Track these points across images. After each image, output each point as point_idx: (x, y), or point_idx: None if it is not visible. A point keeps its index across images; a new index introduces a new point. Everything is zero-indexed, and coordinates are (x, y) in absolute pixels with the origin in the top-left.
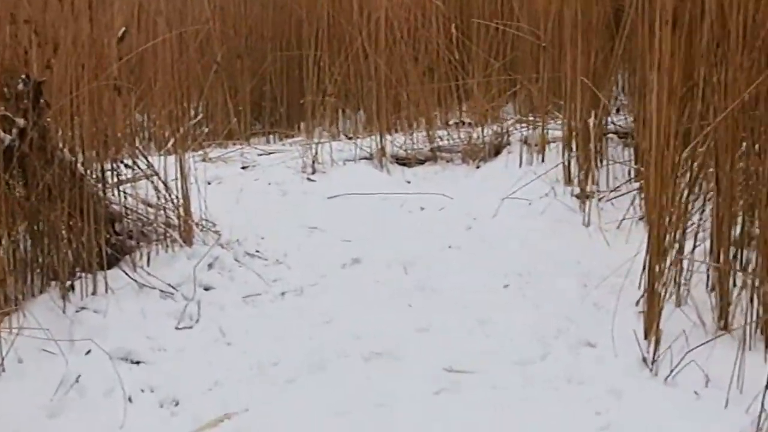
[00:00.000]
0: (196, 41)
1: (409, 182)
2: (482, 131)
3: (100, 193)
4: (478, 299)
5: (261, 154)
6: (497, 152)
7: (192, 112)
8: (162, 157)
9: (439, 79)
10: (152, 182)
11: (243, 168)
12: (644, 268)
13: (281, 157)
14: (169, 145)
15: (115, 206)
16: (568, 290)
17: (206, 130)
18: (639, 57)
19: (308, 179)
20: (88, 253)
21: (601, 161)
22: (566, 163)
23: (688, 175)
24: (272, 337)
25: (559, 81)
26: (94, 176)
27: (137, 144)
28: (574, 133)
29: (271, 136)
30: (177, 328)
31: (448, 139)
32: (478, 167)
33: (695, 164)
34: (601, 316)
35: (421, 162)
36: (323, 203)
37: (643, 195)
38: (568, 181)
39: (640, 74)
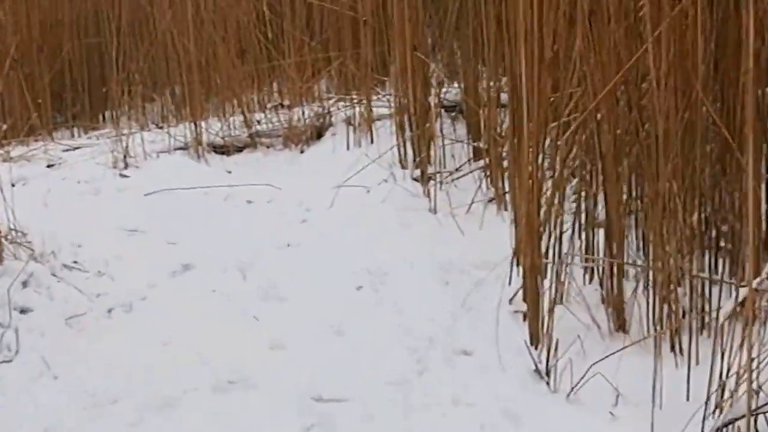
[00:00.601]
0: None
1: (230, 172)
2: (303, 113)
3: None
4: (331, 305)
5: (67, 150)
6: (320, 135)
7: None
8: None
9: (254, 60)
10: None
11: (48, 167)
12: (517, 263)
13: (89, 152)
14: None
15: None
16: (429, 289)
17: (4, 126)
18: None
19: (121, 175)
20: None
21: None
22: (401, 145)
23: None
24: (105, 367)
25: (383, 56)
26: None
27: None
28: (408, 111)
29: (76, 129)
30: None
31: (266, 123)
32: (302, 152)
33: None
34: (473, 318)
35: (240, 149)
36: (140, 201)
37: (488, 174)
38: (405, 163)
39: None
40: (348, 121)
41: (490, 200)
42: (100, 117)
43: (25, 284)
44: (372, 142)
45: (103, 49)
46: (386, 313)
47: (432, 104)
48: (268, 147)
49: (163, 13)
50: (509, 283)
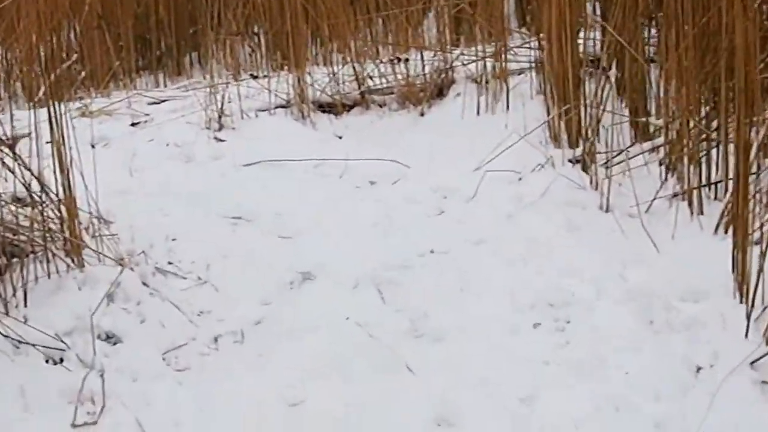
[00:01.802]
0: None
1: (340, 137)
2: (423, 67)
3: None
4: (509, 356)
5: (153, 103)
6: (440, 93)
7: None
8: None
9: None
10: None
11: (133, 125)
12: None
13: (178, 107)
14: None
15: None
16: (631, 333)
17: (82, 74)
18: None
19: (215, 138)
20: None
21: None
22: (557, 117)
23: None
24: None
25: None
26: None
27: None
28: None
29: (161, 75)
30: (74, 426)
31: (379, 78)
32: (422, 114)
33: None
34: (705, 392)
35: (350, 108)
36: (240, 174)
37: (670, 161)
38: (556, 140)
39: None
40: (474, 78)
41: (674, 196)
42: (187, 61)
43: (110, 298)
44: (507, 107)
45: None
46: (585, 373)
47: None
48: (381, 106)
49: None
50: (745, 335)
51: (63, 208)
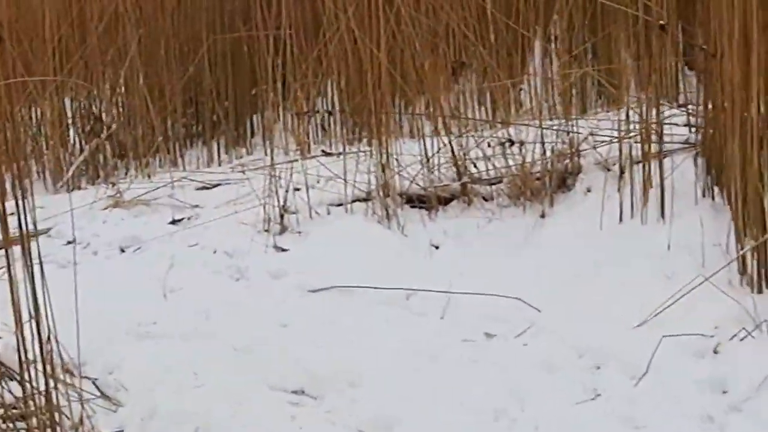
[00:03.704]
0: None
1: (437, 248)
2: (543, 151)
3: None
4: None
5: (202, 188)
6: (562, 182)
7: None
8: None
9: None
10: None
11: (173, 222)
12: None
13: (232, 195)
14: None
15: None
16: None
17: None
18: None
19: (275, 247)
20: None
21: None
22: (747, 249)
23: None
24: None
25: None
26: None
27: None
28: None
29: (216, 147)
30: None
31: (483, 161)
32: (542, 216)
33: None
34: None
35: (446, 201)
36: (304, 307)
37: None
38: (752, 282)
39: None
40: (605, 166)
41: None
42: (248, 128)
43: None
44: (663, 211)
45: (252, 48)
46: None
47: None
48: (486, 200)
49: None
50: None
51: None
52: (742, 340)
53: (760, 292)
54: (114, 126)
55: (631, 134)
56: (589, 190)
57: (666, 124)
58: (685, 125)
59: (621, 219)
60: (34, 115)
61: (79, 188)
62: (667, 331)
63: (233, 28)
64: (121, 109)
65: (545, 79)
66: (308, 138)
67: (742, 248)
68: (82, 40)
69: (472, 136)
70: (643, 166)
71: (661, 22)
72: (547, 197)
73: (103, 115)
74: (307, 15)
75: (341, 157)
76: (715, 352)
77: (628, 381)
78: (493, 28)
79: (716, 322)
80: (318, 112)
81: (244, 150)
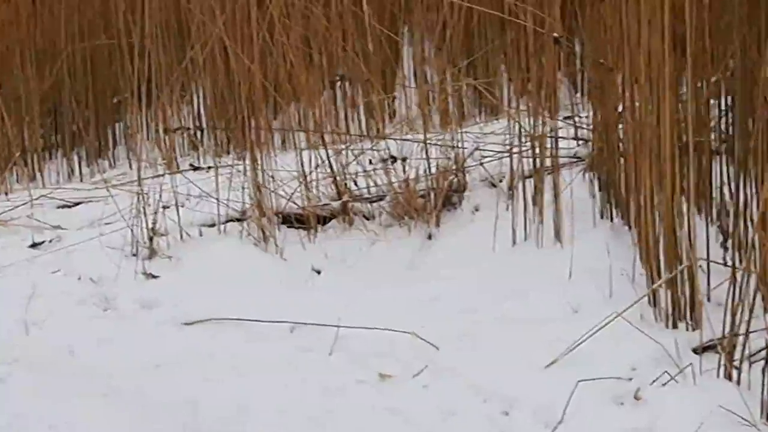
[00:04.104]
0: None
1: (318, 273)
2: (427, 167)
3: None
4: None
5: (63, 206)
6: (446, 202)
7: None
8: None
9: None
10: None
11: (33, 245)
12: None
13: (96, 214)
14: None
15: None
16: None
17: None
18: None
19: (145, 273)
20: None
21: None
22: (659, 283)
23: None
24: None
25: None
26: None
27: None
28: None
29: (77, 159)
30: None
31: (364, 177)
32: (429, 237)
33: None
34: None
35: (326, 221)
36: (178, 342)
37: None
38: (656, 306)
39: None
40: (491, 182)
41: None
42: (110, 138)
43: None
44: (559, 235)
45: (113, 55)
46: None
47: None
48: (368, 218)
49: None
50: None
51: None
52: (664, 385)
53: (675, 327)
54: None
55: (522, 148)
56: (476, 209)
57: (555, 137)
58: (573, 138)
59: (514, 241)
60: None
61: None
62: (580, 371)
63: (94, 35)
64: None
65: (420, 89)
66: (175, 152)
67: (649, 277)
68: None
69: (351, 150)
70: (535, 183)
71: (555, 34)
72: (432, 217)
73: None
74: (172, 24)
75: (211, 171)
76: (636, 398)
77: (543, 429)
78: (371, 38)
79: (633, 363)
80: (189, 129)
81: (106, 163)
